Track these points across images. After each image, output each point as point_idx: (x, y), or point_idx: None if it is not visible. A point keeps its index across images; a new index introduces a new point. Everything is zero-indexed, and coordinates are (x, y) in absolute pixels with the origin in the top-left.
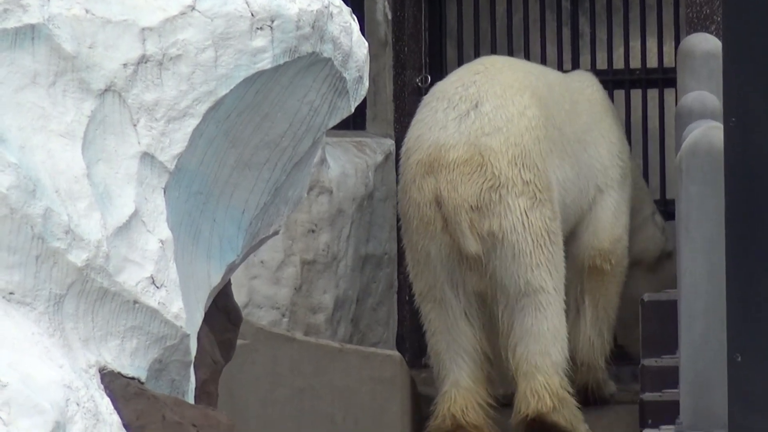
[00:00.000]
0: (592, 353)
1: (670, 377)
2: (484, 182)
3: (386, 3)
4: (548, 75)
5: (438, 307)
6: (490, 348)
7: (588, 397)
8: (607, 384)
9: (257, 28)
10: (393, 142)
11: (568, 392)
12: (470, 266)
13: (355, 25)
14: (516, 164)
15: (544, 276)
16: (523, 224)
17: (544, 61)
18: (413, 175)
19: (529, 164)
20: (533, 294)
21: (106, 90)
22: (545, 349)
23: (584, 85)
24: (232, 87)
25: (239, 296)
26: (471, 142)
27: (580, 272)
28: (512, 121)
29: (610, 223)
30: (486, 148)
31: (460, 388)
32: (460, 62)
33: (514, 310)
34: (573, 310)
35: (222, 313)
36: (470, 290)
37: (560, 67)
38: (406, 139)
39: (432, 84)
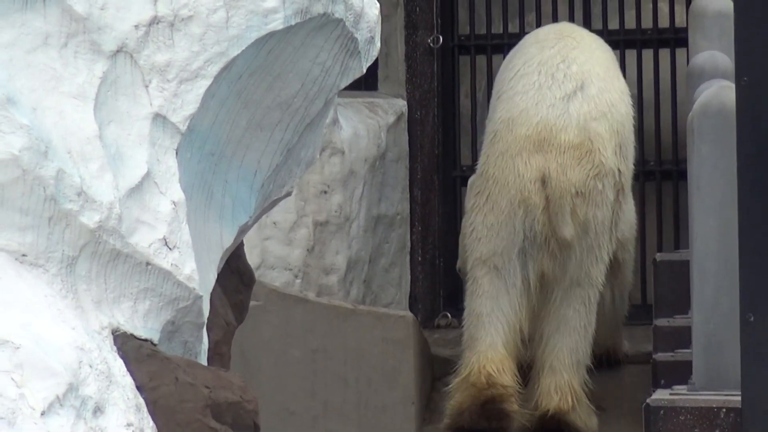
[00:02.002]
0: (609, 335)
1: (682, 337)
2: (591, 169)
3: None
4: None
5: (494, 273)
6: (526, 331)
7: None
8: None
9: None
10: (405, 102)
11: (585, 390)
12: (554, 249)
13: None
14: (617, 154)
15: (601, 271)
16: (610, 217)
17: (555, 22)
18: (520, 149)
19: (626, 154)
20: (587, 287)
21: (117, 51)
22: (575, 346)
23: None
24: (243, 48)
25: (252, 257)
26: (581, 126)
27: None
28: (615, 107)
29: (629, 210)
30: (595, 134)
31: (497, 352)
32: (472, 23)
33: (562, 298)
34: None
35: (235, 275)
36: (539, 271)
37: None
38: (505, 109)
39: (444, 43)
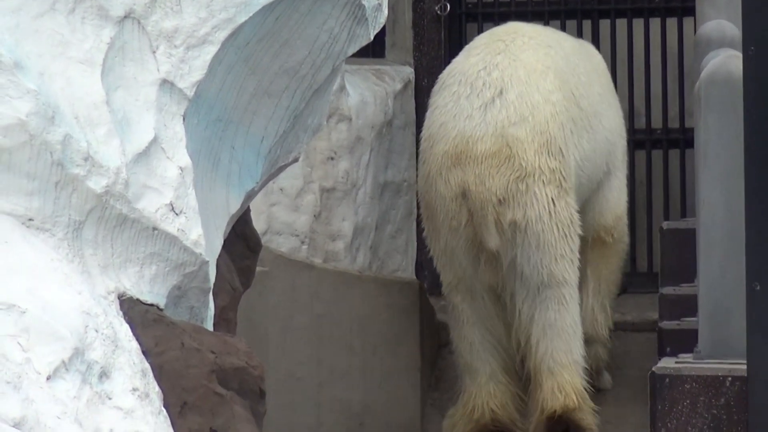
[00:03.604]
0: (595, 324)
1: (688, 305)
2: (511, 174)
3: None
4: (564, 44)
5: (470, 298)
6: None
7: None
8: (602, 376)
9: None
10: (412, 69)
11: (586, 389)
12: (486, 260)
13: None
14: (542, 153)
15: (568, 268)
16: (550, 213)
17: None
18: (439, 167)
19: (554, 152)
20: (557, 286)
21: (125, 17)
22: (568, 346)
23: (591, 53)
24: (251, 14)
25: (258, 223)
26: (498, 134)
27: (582, 247)
28: (537, 108)
29: (614, 203)
30: (513, 138)
31: (499, 383)
32: None
33: (535, 303)
34: None
35: (241, 240)
36: (485, 285)
37: (579, 1)
38: (427, 125)
39: (451, 11)
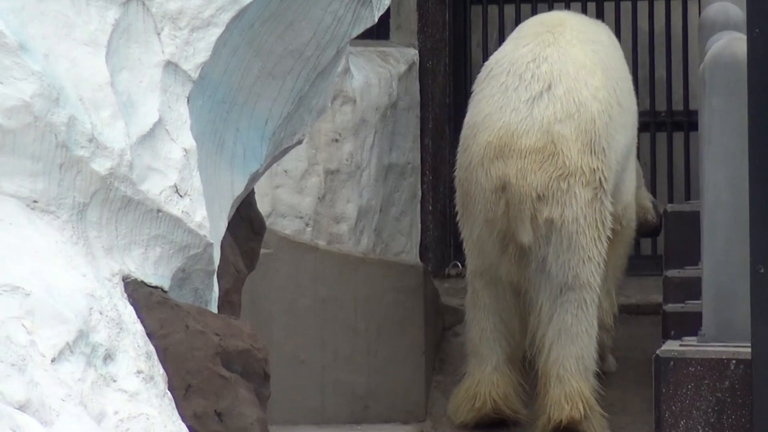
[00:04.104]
0: (600, 311)
1: (692, 288)
2: (553, 171)
3: None
4: (602, 37)
5: (492, 286)
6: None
7: None
8: (607, 359)
9: None
10: (416, 51)
11: (595, 397)
12: (515, 255)
13: None
14: (585, 152)
15: (594, 271)
16: (585, 215)
17: None
18: (481, 158)
19: (597, 151)
20: (579, 289)
21: None
22: (581, 353)
23: (615, 40)
24: None
25: (263, 205)
26: (544, 129)
27: None
28: (584, 106)
29: (625, 191)
30: (558, 135)
31: (503, 374)
32: None
33: (556, 305)
34: None
35: (245, 223)
36: (517, 279)
37: None
38: (472, 113)
39: None
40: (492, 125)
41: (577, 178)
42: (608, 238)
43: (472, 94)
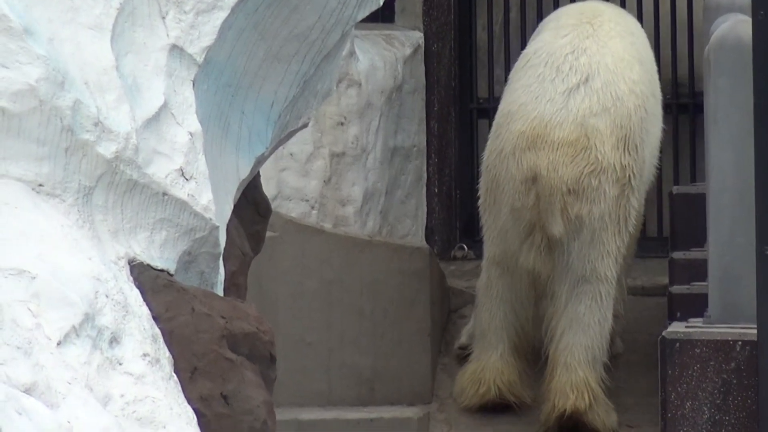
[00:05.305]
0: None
1: (698, 270)
2: (585, 166)
3: None
4: (636, 27)
5: (509, 276)
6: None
7: None
8: (614, 341)
9: None
10: (422, 34)
11: (602, 387)
12: (537, 246)
13: None
14: (619, 147)
15: (612, 265)
16: (611, 212)
17: None
18: (513, 147)
19: (631, 147)
20: (596, 282)
21: None
22: (591, 343)
23: (642, 29)
24: None
25: (268, 188)
26: (578, 122)
27: None
28: (621, 100)
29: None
30: (593, 129)
31: (508, 363)
32: None
33: (571, 295)
34: None
35: (251, 206)
36: (538, 269)
37: None
38: (507, 101)
39: None
40: (526, 115)
41: (608, 175)
42: (629, 233)
43: (508, 83)
